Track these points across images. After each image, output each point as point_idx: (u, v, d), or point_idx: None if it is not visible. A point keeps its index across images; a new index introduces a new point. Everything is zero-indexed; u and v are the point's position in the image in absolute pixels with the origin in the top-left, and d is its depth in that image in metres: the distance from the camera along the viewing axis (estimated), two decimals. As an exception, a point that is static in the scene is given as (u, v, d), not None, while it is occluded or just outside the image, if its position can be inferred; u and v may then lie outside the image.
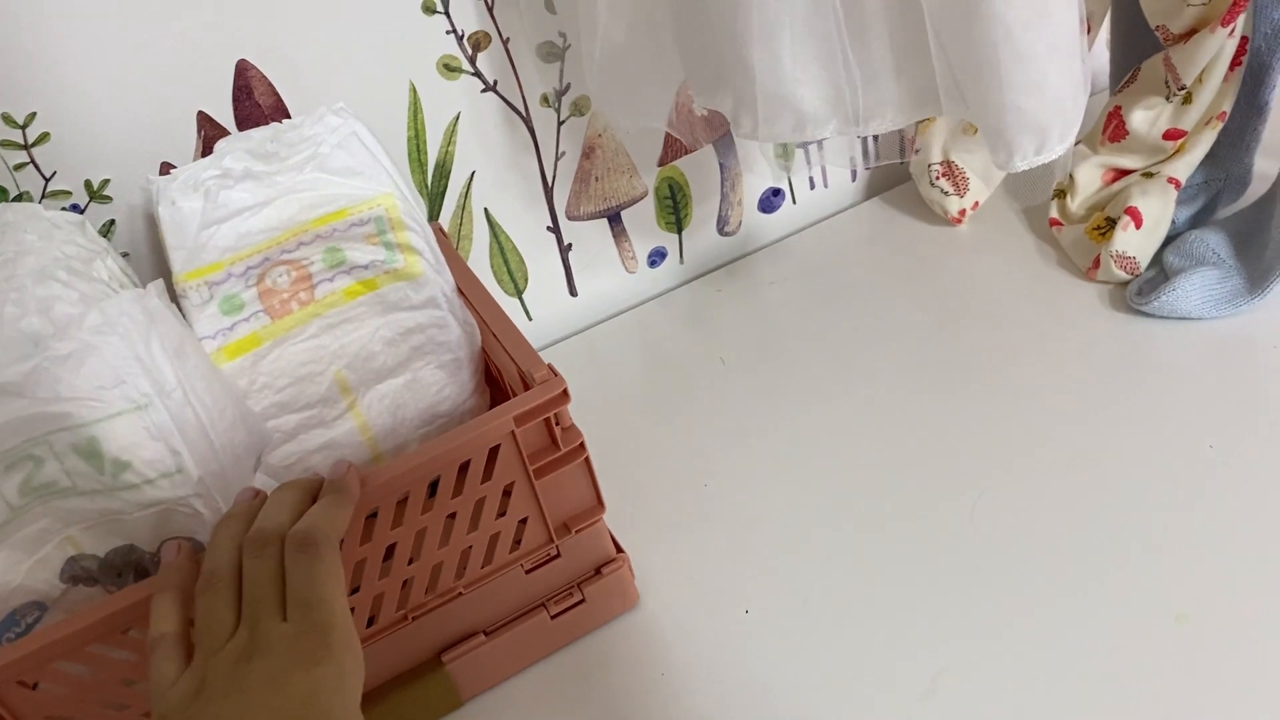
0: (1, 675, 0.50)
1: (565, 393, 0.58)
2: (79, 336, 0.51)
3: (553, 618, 0.63)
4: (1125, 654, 0.58)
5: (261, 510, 0.50)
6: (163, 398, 0.53)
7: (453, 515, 0.58)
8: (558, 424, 0.59)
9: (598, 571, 0.65)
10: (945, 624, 0.62)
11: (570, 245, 0.89)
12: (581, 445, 0.60)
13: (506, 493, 0.59)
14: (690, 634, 0.64)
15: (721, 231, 0.95)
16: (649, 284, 0.94)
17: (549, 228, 0.87)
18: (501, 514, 0.60)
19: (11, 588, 0.53)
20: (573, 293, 0.91)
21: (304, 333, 0.64)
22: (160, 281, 0.61)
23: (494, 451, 0.58)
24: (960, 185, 0.89)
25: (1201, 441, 0.68)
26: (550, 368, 0.59)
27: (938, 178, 0.89)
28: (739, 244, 0.96)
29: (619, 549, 0.66)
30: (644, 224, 0.91)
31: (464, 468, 0.57)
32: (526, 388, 0.61)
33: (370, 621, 0.59)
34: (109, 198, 0.71)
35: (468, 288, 0.67)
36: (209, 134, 0.72)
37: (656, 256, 0.93)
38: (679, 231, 0.93)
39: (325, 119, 0.64)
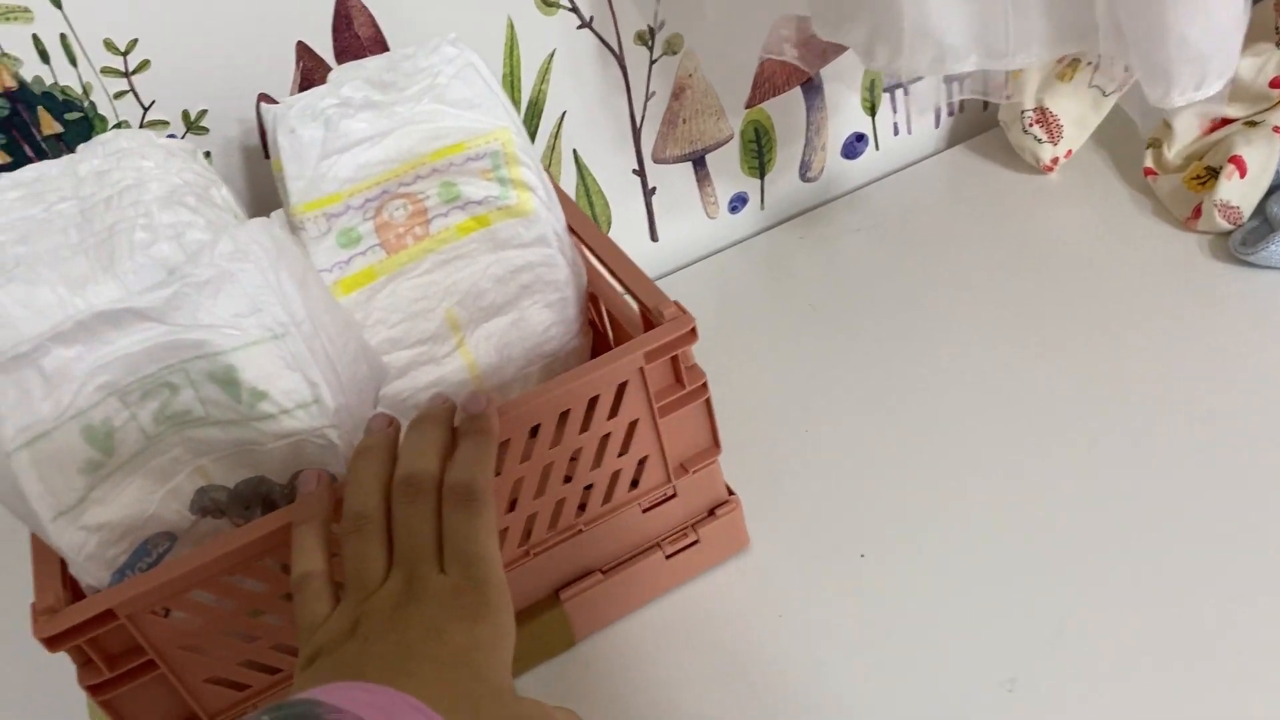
0: (140, 603, 0.49)
1: (693, 331, 0.57)
2: (216, 263, 0.50)
3: (667, 558, 0.63)
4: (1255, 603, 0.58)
5: (404, 447, 0.48)
6: (302, 327, 0.52)
7: (577, 452, 0.58)
8: (683, 363, 0.58)
9: (711, 513, 0.64)
10: (1070, 567, 0.61)
11: (654, 189, 0.87)
12: (704, 385, 0.59)
13: (629, 431, 0.59)
14: (804, 577, 0.64)
15: (804, 177, 0.93)
16: (729, 230, 0.93)
17: (634, 170, 0.86)
18: (623, 452, 0.59)
19: (145, 517, 0.52)
20: (654, 238, 0.90)
21: (418, 268, 0.63)
22: (281, 212, 0.60)
23: (621, 388, 0.57)
24: (1054, 132, 0.87)
25: (1317, 390, 0.68)
26: (678, 305, 0.58)
27: (1031, 124, 0.88)
28: (820, 190, 0.95)
29: (730, 491, 0.65)
30: (727, 168, 0.89)
31: (591, 404, 0.56)
32: (649, 326, 0.60)
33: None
34: (205, 129, 0.70)
35: (580, 226, 0.65)
36: (307, 65, 0.71)
37: (738, 202, 0.92)
38: (761, 176, 0.91)
39: (441, 49, 0.62)
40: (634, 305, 0.62)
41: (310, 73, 0.71)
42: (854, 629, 0.61)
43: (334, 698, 0.35)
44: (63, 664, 0.52)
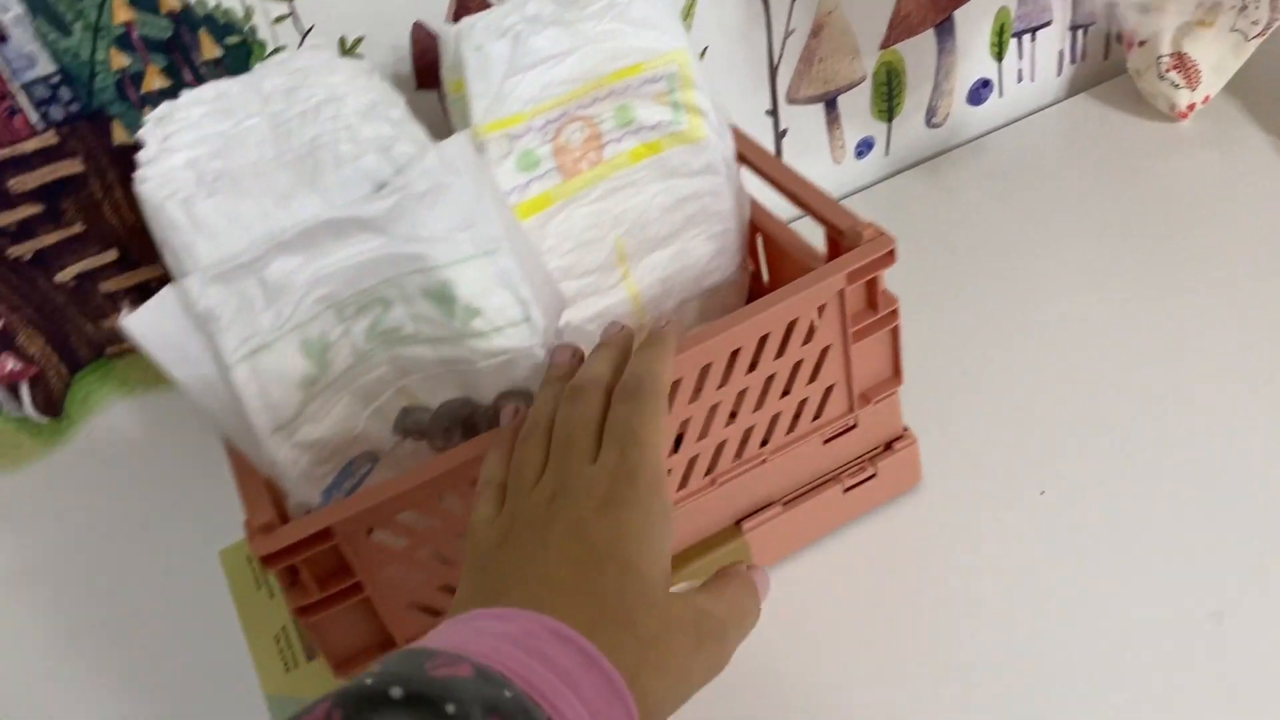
0: (356, 523, 0.48)
1: (892, 252, 0.56)
2: (431, 174, 0.49)
3: (845, 491, 0.62)
4: None
5: (580, 367, 0.48)
6: (512, 244, 0.50)
7: (768, 380, 0.57)
8: (879, 286, 0.57)
9: (889, 447, 0.63)
10: (1261, 497, 0.60)
11: (785, 131, 0.86)
12: (896, 310, 0.58)
13: (820, 358, 0.57)
14: (980, 515, 0.63)
15: (929, 123, 0.92)
16: (853, 175, 0.91)
17: (768, 111, 0.84)
18: (812, 379, 0.58)
19: (352, 436, 0.51)
20: (779, 182, 0.89)
21: (590, 195, 0.62)
22: (470, 131, 0.59)
23: (819, 311, 0.55)
24: (1192, 78, 0.86)
25: None
26: (875, 225, 0.56)
27: (1168, 70, 0.86)
28: (944, 137, 0.93)
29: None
30: (857, 111, 0.88)
31: (788, 329, 0.55)
32: (834, 252, 0.59)
33: (682, 485, 0.57)
34: (361, 56, 0.68)
35: (751, 154, 0.64)
36: (464, -8, 0.69)
37: (864, 147, 0.90)
38: (889, 120, 0.90)
39: (621, -35, 0.61)
40: (797, 239, 0.60)
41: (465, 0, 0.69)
42: (1040, 567, 0.60)
43: (455, 639, 0.34)
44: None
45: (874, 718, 0.55)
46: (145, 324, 0.47)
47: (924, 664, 0.57)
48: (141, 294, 0.69)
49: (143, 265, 0.69)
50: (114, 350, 0.72)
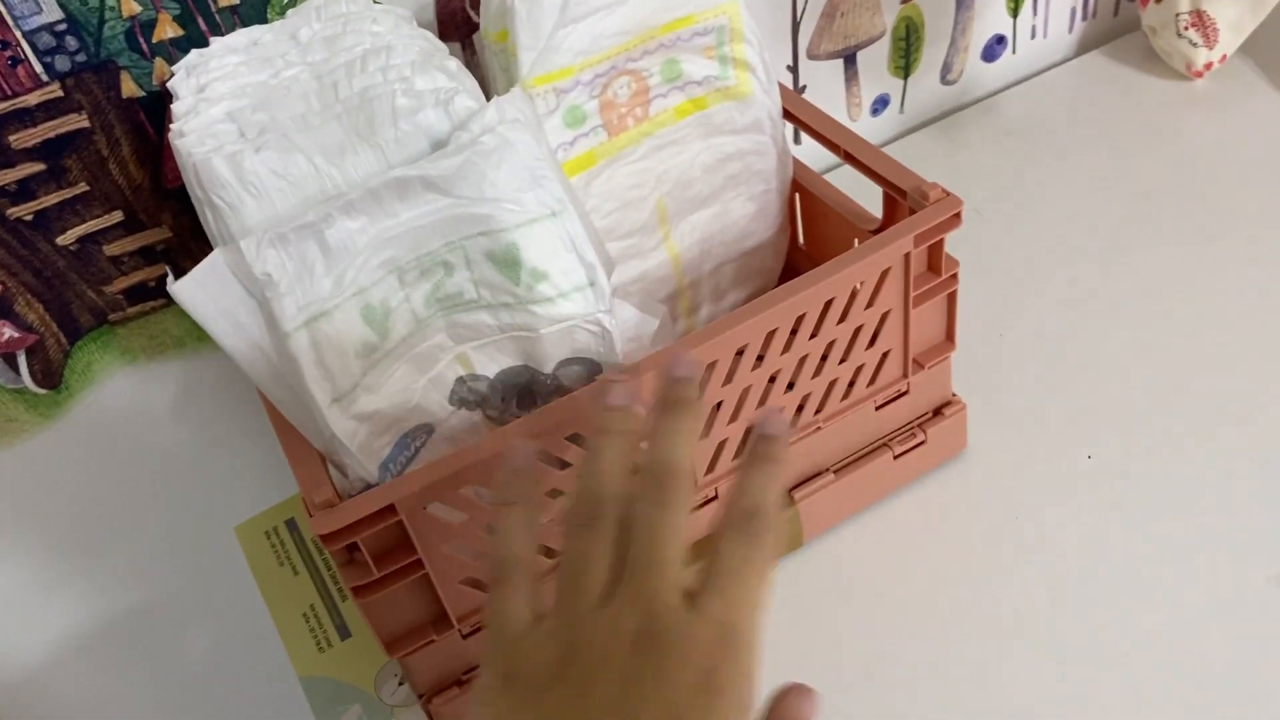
0: (420, 499, 0.46)
1: (959, 214, 0.54)
2: (497, 131, 0.46)
3: (895, 458, 0.61)
4: None
5: (658, 433, 0.37)
6: (575, 205, 0.48)
7: (829, 345, 0.55)
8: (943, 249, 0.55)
9: (938, 412, 0.62)
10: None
11: (804, 87, 0.84)
12: (956, 274, 0.57)
13: (880, 322, 0.56)
14: (1028, 480, 0.62)
15: (944, 79, 0.90)
16: (868, 132, 0.89)
17: (788, 67, 0.82)
18: (871, 344, 0.56)
19: (409, 407, 0.48)
20: (796, 140, 0.87)
21: (634, 153, 0.59)
22: (521, 86, 0.56)
23: (883, 275, 0.54)
24: (1210, 36, 0.85)
25: None
26: (941, 186, 0.55)
27: (1186, 27, 0.85)
28: (957, 94, 0.92)
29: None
30: (875, 67, 0.86)
31: (851, 294, 0.54)
32: (890, 213, 0.57)
33: (738, 453, 0.56)
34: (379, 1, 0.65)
35: (803, 112, 0.62)
36: (489, -62, 0.66)
37: (880, 104, 0.88)
38: (905, 77, 0.88)
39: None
40: (847, 200, 0.59)
41: (491, -53, 0.66)
42: (1088, 531, 0.59)
43: None
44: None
45: (924, 678, 0.54)
46: (195, 289, 0.44)
47: (972, 626, 0.56)
48: (146, 257, 0.65)
49: (149, 228, 0.65)
50: (117, 317, 0.68)
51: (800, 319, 0.53)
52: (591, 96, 0.57)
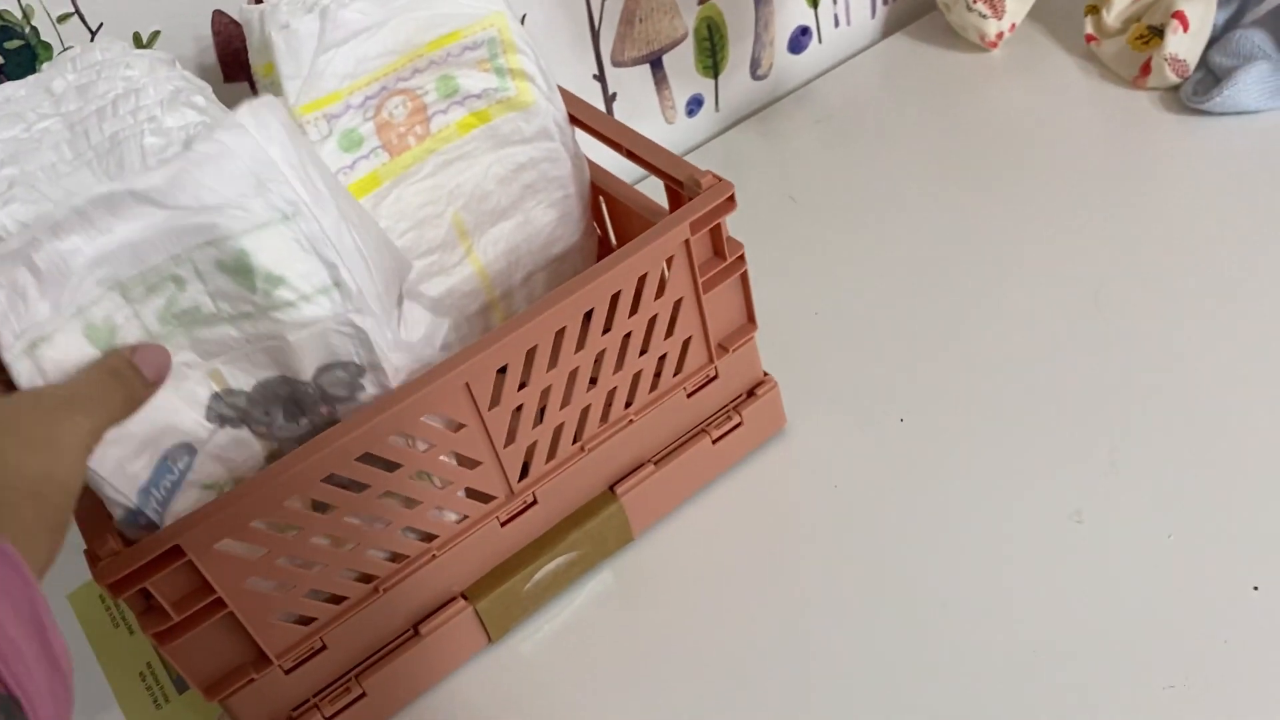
0: (206, 536, 0.46)
1: (733, 198, 0.56)
2: (214, 138, 0.45)
3: (714, 442, 0.62)
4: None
5: None
6: (316, 205, 0.47)
7: (625, 338, 0.56)
8: (723, 233, 0.57)
9: (751, 393, 0.63)
10: (1098, 400, 0.62)
11: (614, 95, 0.85)
12: (743, 256, 0.58)
13: (674, 310, 0.57)
14: (846, 448, 0.64)
15: (754, 75, 0.92)
16: (687, 134, 0.91)
17: (595, 76, 0.83)
18: (669, 333, 0.57)
19: (159, 428, 0.47)
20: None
21: (421, 171, 0.60)
22: (284, 99, 0.55)
23: (667, 264, 0.55)
24: (997, 7, 0.88)
25: (1291, 216, 0.71)
26: (713, 173, 0.56)
27: (975, 1, 0.89)
28: (770, 88, 0.94)
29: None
30: (683, 69, 0.88)
31: (639, 285, 0.55)
32: (676, 203, 0.58)
33: (550, 456, 0.56)
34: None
35: (582, 113, 0.63)
36: (262, -25, 0.66)
37: (694, 105, 0.90)
38: (715, 76, 0.90)
39: (423, -67, 0.59)
40: (639, 195, 0.60)
41: (265, -17, 0.66)
42: (907, 487, 0.61)
43: None
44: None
45: (763, 657, 0.55)
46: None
47: (807, 600, 0.57)
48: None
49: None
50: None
51: (589, 315, 0.53)
52: (365, 119, 0.57)
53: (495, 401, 0.52)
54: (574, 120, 0.63)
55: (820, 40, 0.95)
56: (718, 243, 0.57)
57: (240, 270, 0.46)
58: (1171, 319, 0.66)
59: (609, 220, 0.68)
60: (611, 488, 0.60)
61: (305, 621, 0.52)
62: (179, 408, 0.49)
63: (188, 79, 0.54)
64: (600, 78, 0.84)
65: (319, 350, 0.49)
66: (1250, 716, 0.48)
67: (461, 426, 0.52)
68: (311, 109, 0.56)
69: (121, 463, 0.46)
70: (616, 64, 0.84)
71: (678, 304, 0.57)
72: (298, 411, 0.50)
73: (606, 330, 0.54)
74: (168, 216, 0.45)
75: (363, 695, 0.54)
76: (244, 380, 0.50)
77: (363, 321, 0.49)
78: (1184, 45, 0.81)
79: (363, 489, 0.50)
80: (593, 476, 0.59)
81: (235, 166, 0.45)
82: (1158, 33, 0.83)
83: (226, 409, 0.50)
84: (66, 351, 0.44)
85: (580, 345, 0.54)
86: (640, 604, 0.59)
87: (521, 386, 0.53)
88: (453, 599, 0.56)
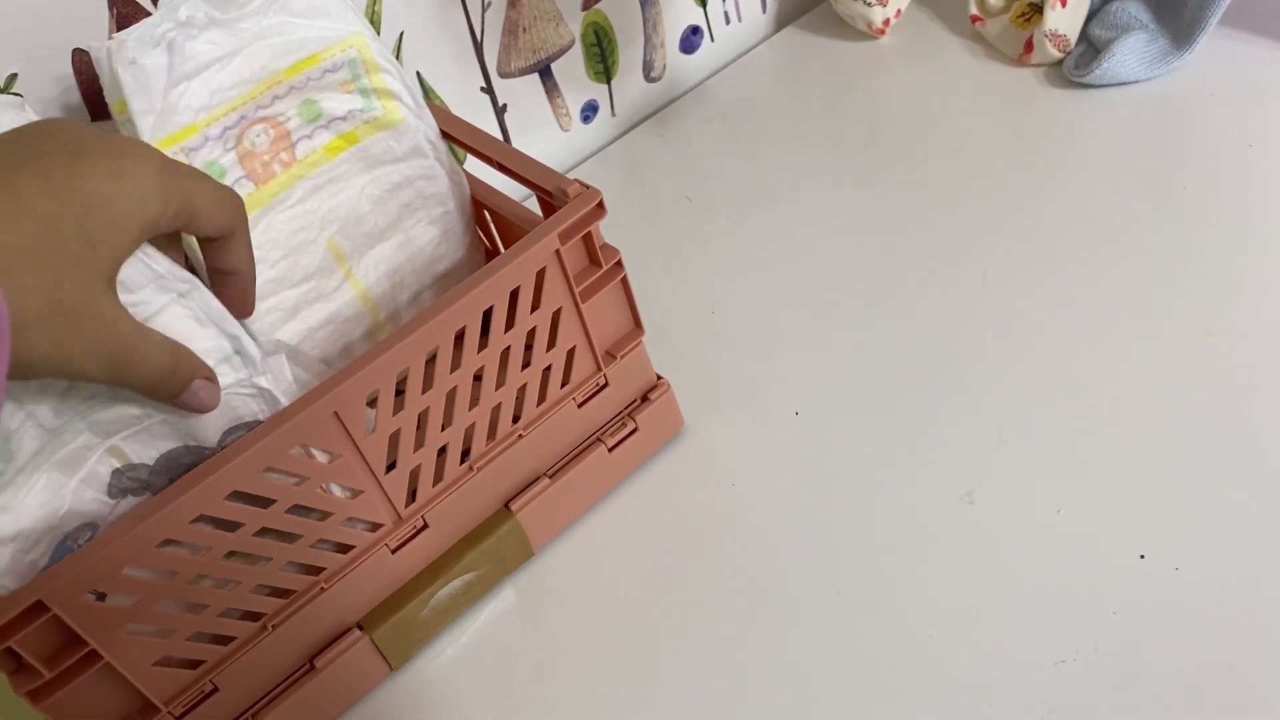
0: (70, 589, 0.44)
1: (601, 204, 0.55)
2: None
3: (610, 450, 0.61)
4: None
5: None
6: (198, 282, 0.47)
7: (505, 355, 0.55)
8: (596, 241, 0.56)
9: (645, 398, 0.63)
10: (987, 383, 0.63)
11: (505, 106, 0.85)
12: (619, 263, 0.58)
13: (554, 322, 0.56)
14: (745, 444, 0.64)
15: (648, 77, 0.92)
16: (585, 141, 0.91)
17: (482, 88, 0.83)
18: (551, 345, 0.57)
19: (61, 513, 0.47)
20: (511, 159, 0.87)
21: (290, 198, 0.59)
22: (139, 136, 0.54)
23: (540, 276, 0.55)
24: (881, -6, 0.89)
25: (1176, 185, 0.71)
26: (579, 181, 0.56)
27: (858, -10, 0.89)
28: (665, 90, 0.94)
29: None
30: (574, 76, 0.87)
31: (512, 299, 0.54)
32: (550, 211, 0.58)
33: (438, 478, 0.55)
34: (19, 94, 0.63)
35: (452, 127, 0.62)
36: (123, 12, 0.65)
37: (589, 111, 0.90)
38: (608, 81, 0.90)
39: (273, -41, 0.58)
40: (517, 206, 0.59)
41: (126, 20, 0.65)
42: (804, 479, 0.61)
43: None
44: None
45: (673, 663, 0.55)
46: None
47: (710, 600, 0.57)
48: None
49: None
50: None
51: (462, 334, 0.53)
52: (226, 149, 0.56)
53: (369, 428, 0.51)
54: (444, 134, 0.62)
55: (712, 39, 0.95)
56: (591, 251, 0.57)
57: None
58: (1057, 295, 0.67)
59: (496, 234, 0.67)
60: (507, 504, 0.59)
61: (193, 665, 0.51)
62: (80, 489, 0.48)
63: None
64: (488, 90, 0.83)
65: (223, 416, 0.49)
66: (1140, 685, 0.49)
67: (336, 457, 0.51)
68: (169, 144, 0.55)
69: (17, 558, 0.45)
70: (504, 75, 0.83)
71: (556, 315, 0.56)
72: None
73: (483, 348, 0.54)
74: None
75: (262, 735, 0.53)
76: (145, 454, 0.49)
77: (265, 382, 0.49)
78: (1064, 20, 0.82)
79: (237, 528, 0.49)
80: (486, 495, 0.58)
81: (130, 271, 0.44)
82: (1039, 9, 0.84)
83: (128, 482, 0.49)
84: None
85: (456, 365, 0.53)
86: (544, 619, 0.59)
87: (397, 411, 0.52)
88: (348, 630, 0.55)
